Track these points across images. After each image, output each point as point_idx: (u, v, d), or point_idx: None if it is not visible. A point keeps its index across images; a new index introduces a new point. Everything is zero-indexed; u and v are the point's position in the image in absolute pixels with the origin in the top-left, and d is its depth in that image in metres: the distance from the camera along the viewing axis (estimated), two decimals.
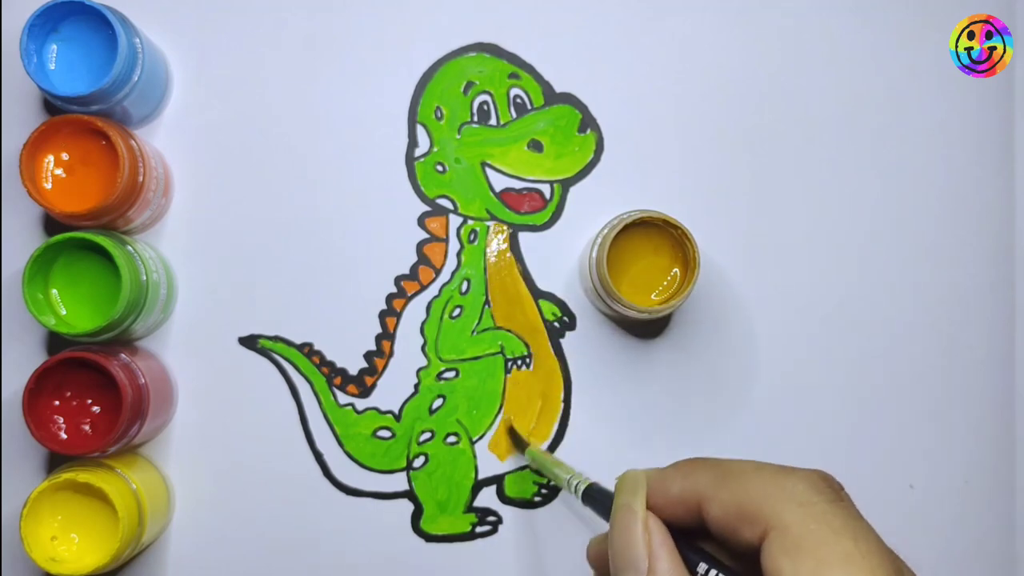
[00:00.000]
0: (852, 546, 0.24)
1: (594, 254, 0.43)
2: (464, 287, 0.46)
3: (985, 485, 0.47)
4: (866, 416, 0.47)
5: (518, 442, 0.45)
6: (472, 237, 0.46)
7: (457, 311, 0.46)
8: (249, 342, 0.45)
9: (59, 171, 0.41)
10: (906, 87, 0.48)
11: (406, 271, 0.46)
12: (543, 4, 0.47)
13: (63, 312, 0.41)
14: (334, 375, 0.45)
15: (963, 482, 0.47)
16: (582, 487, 0.35)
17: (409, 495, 0.45)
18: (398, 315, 0.46)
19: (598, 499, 0.34)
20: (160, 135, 0.45)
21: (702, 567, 0.26)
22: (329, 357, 0.45)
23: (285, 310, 0.45)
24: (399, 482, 0.45)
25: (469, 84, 0.46)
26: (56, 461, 0.44)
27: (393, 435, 0.46)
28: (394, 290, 0.46)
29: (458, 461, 0.46)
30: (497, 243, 0.46)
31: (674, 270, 0.44)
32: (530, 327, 0.46)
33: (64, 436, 0.40)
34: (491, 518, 0.46)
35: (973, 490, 0.47)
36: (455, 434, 0.46)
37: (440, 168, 0.46)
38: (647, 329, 0.46)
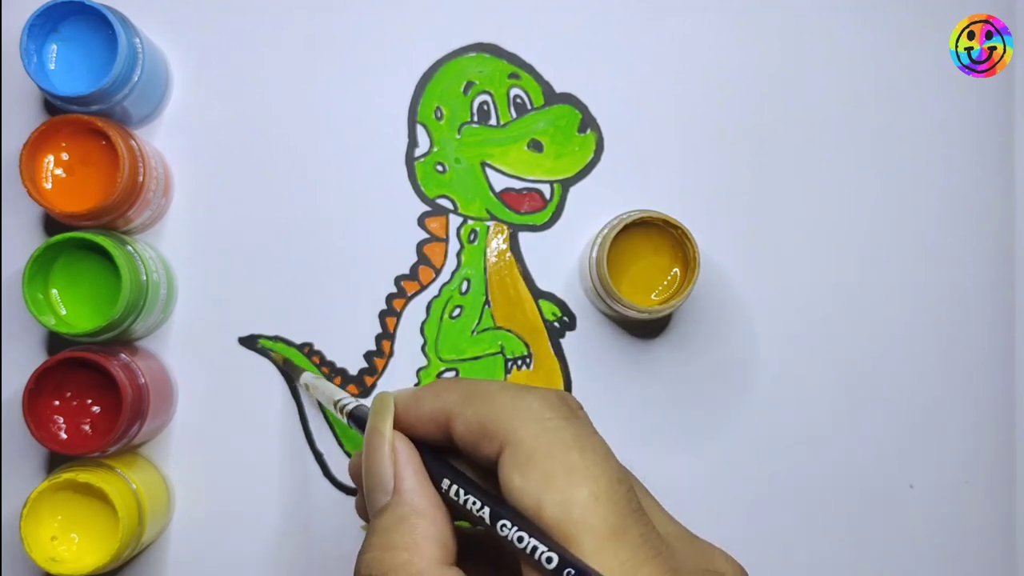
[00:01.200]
0: (578, 457, 0.25)
1: (594, 254, 0.43)
2: (464, 287, 0.46)
3: (985, 485, 0.47)
4: (866, 416, 0.47)
5: (291, 370, 0.44)
6: (472, 237, 0.46)
7: (457, 311, 0.46)
8: (249, 342, 0.45)
9: (59, 171, 0.41)
10: (906, 87, 0.48)
11: (406, 271, 0.46)
12: (543, 4, 0.47)
13: (63, 312, 0.41)
14: (334, 375, 0.45)
15: (963, 482, 0.47)
16: (348, 408, 0.35)
17: None
18: (398, 315, 0.46)
19: (361, 423, 0.35)
20: (160, 135, 0.45)
21: (445, 483, 0.27)
22: (329, 357, 0.45)
23: (285, 310, 0.45)
24: None
25: (469, 84, 0.46)
26: (56, 461, 0.44)
27: None
28: (394, 290, 0.46)
29: None
30: (497, 243, 0.46)
31: (674, 270, 0.44)
32: (530, 327, 0.46)
33: (64, 436, 0.40)
34: None
35: (973, 490, 0.47)
36: None
37: (440, 168, 0.46)
38: (647, 329, 0.46)
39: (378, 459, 0.28)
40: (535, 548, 0.24)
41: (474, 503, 0.26)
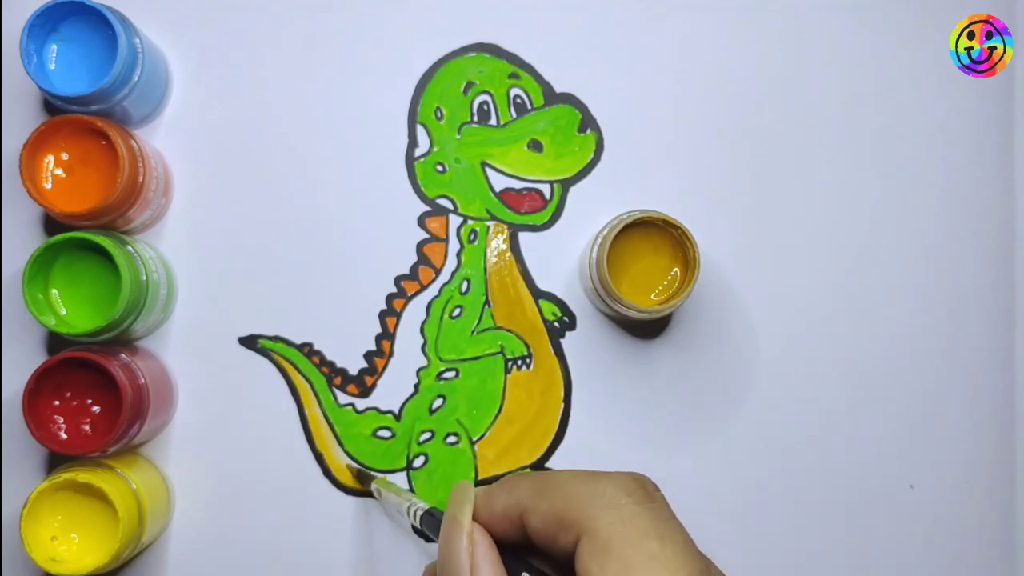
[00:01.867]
0: (657, 547, 0.24)
1: (594, 254, 0.43)
2: (464, 287, 0.46)
3: (985, 485, 0.47)
4: (866, 416, 0.47)
5: (363, 478, 0.44)
6: (472, 237, 0.46)
7: (457, 311, 0.46)
8: (249, 342, 0.45)
9: (59, 171, 0.41)
10: (906, 87, 0.48)
11: (406, 271, 0.46)
12: (543, 4, 0.47)
13: (63, 312, 0.41)
14: (334, 375, 0.45)
15: (963, 482, 0.47)
16: (420, 512, 0.35)
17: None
18: (398, 315, 0.46)
19: (436, 527, 0.35)
20: (160, 135, 0.45)
21: None
22: (329, 357, 0.45)
23: (285, 310, 0.45)
24: (399, 482, 0.45)
25: (469, 84, 0.46)
26: (56, 461, 0.44)
27: (393, 435, 0.46)
28: (394, 290, 0.46)
29: (458, 461, 0.46)
30: (497, 243, 0.46)
31: (674, 270, 0.44)
32: (530, 327, 0.46)
33: (64, 436, 0.40)
34: None
35: (973, 490, 0.47)
36: (455, 434, 0.46)
37: (440, 168, 0.46)
38: (647, 329, 0.46)
39: (455, 550, 0.27)
40: None
41: None
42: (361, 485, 0.45)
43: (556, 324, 0.46)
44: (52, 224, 0.44)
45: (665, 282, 0.44)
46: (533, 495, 0.27)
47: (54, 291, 0.41)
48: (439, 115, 0.46)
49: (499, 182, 0.46)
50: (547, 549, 0.27)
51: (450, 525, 0.28)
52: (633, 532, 0.25)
